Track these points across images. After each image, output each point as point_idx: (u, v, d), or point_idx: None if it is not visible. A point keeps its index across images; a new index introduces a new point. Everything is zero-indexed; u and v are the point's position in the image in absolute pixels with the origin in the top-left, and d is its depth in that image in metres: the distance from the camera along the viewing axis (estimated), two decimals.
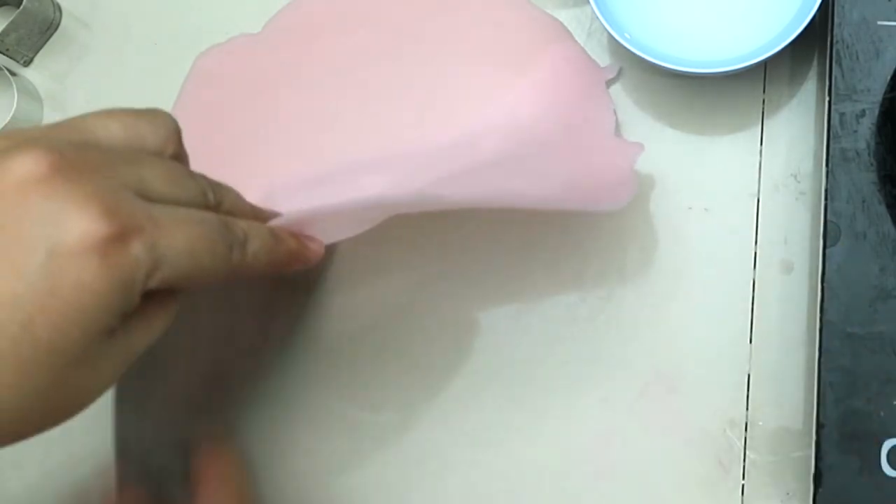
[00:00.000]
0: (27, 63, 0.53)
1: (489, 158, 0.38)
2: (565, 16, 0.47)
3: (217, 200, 0.32)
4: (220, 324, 0.43)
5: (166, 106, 0.45)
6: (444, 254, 0.45)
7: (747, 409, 0.42)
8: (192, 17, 0.52)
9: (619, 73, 0.47)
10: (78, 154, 0.28)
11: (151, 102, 0.45)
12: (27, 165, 0.26)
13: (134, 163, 0.29)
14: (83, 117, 0.30)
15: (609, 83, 0.46)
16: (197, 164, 0.44)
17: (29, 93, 0.52)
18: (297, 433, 0.45)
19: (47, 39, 0.53)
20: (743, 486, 0.42)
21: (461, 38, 0.42)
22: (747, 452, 0.42)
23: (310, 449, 0.44)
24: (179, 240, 0.28)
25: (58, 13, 0.53)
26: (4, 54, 0.52)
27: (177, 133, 0.33)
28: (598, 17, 0.43)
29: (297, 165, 0.41)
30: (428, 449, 0.44)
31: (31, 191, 0.26)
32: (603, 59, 0.47)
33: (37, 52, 0.53)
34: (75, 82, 0.53)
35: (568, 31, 0.44)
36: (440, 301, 0.45)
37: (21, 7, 0.51)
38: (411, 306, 0.45)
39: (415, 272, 0.45)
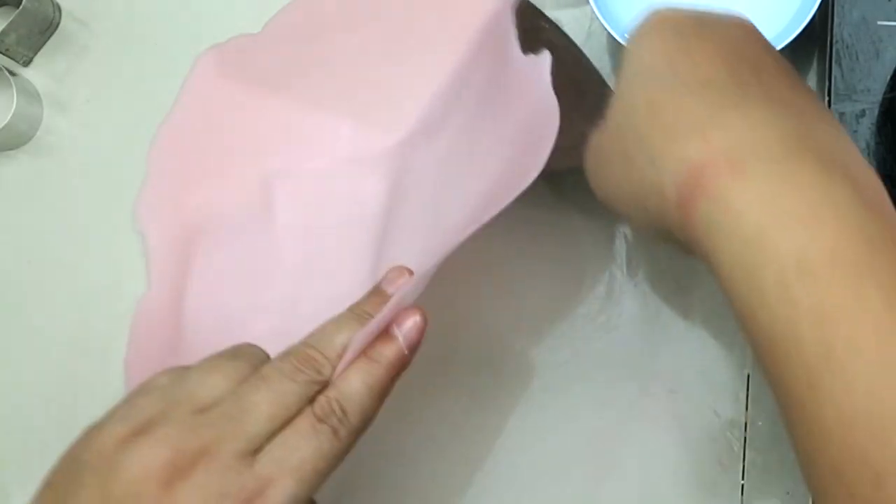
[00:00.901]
0: (27, 63, 0.53)
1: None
2: (565, 16, 0.47)
3: (321, 381, 0.33)
4: None
5: (165, 105, 0.45)
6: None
7: (747, 409, 0.42)
8: (192, 17, 0.52)
9: None
10: (189, 440, 0.29)
11: (151, 102, 0.46)
12: (143, 464, 0.29)
13: (239, 416, 0.31)
14: (185, 381, 0.32)
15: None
16: (197, 164, 0.44)
17: (29, 93, 0.52)
18: None
19: (47, 39, 0.53)
20: (743, 485, 0.42)
21: (456, 31, 0.42)
22: (747, 452, 0.42)
23: None
24: (293, 480, 0.30)
25: (57, 13, 0.53)
26: (4, 54, 0.52)
27: (264, 353, 0.34)
28: (598, 17, 0.43)
29: (297, 160, 0.41)
30: (427, 448, 0.44)
31: (149, 496, 0.28)
32: (603, 59, 0.47)
33: (37, 52, 0.53)
34: (75, 82, 0.53)
35: None
36: (438, 300, 0.45)
37: (21, 7, 0.51)
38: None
39: None
